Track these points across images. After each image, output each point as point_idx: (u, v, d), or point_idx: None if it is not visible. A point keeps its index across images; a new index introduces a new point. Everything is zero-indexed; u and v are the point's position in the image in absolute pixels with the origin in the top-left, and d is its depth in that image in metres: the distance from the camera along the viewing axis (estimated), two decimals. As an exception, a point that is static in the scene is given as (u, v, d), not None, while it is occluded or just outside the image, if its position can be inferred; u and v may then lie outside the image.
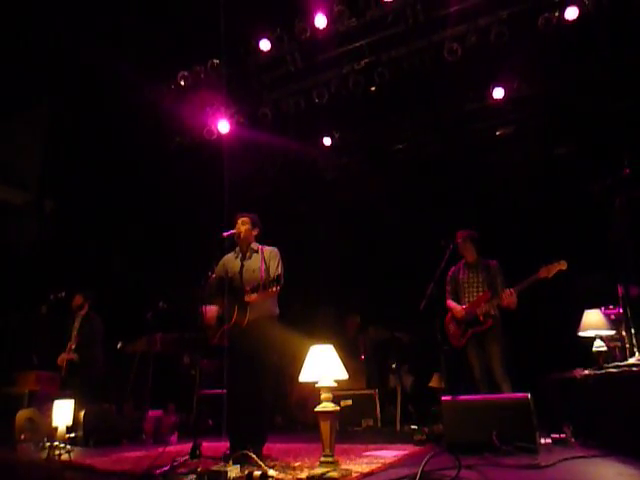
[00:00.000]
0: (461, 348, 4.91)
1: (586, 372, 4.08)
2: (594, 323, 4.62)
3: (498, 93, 6.57)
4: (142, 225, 8.13)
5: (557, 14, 5.51)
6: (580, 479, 2.76)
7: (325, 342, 3.35)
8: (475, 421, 3.72)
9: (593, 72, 6.03)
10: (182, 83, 6.96)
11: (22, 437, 5.27)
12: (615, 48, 5.65)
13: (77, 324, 6.09)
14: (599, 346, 4.45)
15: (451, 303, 5.05)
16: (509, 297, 4.60)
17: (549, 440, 3.96)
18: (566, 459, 3.23)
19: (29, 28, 6.40)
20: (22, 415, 5.40)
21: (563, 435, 3.99)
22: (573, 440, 3.92)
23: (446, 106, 7.10)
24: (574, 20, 5.49)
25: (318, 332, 5.79)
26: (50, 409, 4.48)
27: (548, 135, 6.85)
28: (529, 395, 3.71)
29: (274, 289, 3.73)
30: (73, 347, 5.95)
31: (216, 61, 6.74)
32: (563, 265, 4.44)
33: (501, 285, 4.81)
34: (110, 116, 7.41)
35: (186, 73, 6.91)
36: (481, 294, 4.89)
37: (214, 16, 5.83)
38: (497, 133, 7.23)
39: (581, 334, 4.67)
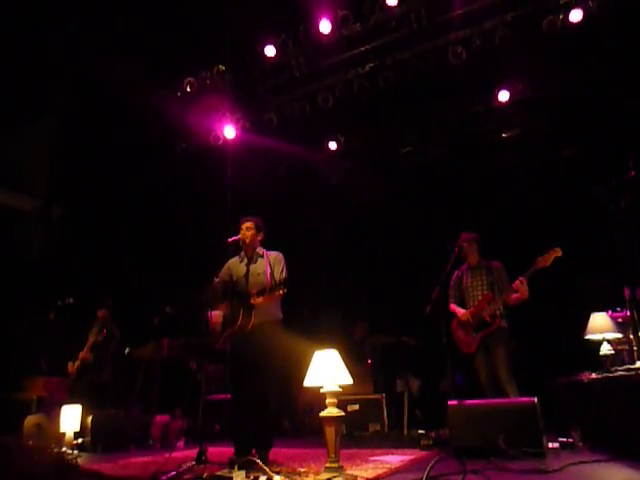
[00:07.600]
0: (472, 354, 4.78)
1: (593, 376, 4.04)
2: (601, 326, 4.60)
3: (503, 96, 6.58)
4: (148, 231, 8.17)
5: (562, 16, 5.49)
6: (587, 484, 2.74)
7: (331, 347, 3.34)
8: (481, 426, 3.70)
9: (598, 74, 6.01)
10: (188, 89, 6.99)
11: (30, 443, 5.31)
12: (619, 49, 5.63)
13: (96, 329, 6.14)
14: (606, 349, 4.42)
15: (454, 307, 4.98)
16: (520, 286, 4.52)
17: (556, 444, 3.90)
18: (573, 463, 3.21)
19: (35, 35, 6.46)
20: (30, 421, 5.44)
21: (571, 439, 3.95)
22: (581, 444, 3.88)
23: (452, 109, 7.10)
24: (579, 22, 5.47)
25: (324, 337, 5.79)
26: (58, 415, 4.51)
27: (553, 137, 6.83)
28: (536, 399, 3.69)
29: (281, 292, 3.74)
30: (89, 349, 5.98)
31: (222, 67, 6.77)
32: (558, 252, 4.39)
33: (507, 283, 4.72)
34: (116, 123, 7.46)
35: (192, 79, 6.94)
36: (482, 297, 4.82)
37: (219, 22, 5.88)
38: (503, 135, 7.22)
39: (588, 337, 4.64)
